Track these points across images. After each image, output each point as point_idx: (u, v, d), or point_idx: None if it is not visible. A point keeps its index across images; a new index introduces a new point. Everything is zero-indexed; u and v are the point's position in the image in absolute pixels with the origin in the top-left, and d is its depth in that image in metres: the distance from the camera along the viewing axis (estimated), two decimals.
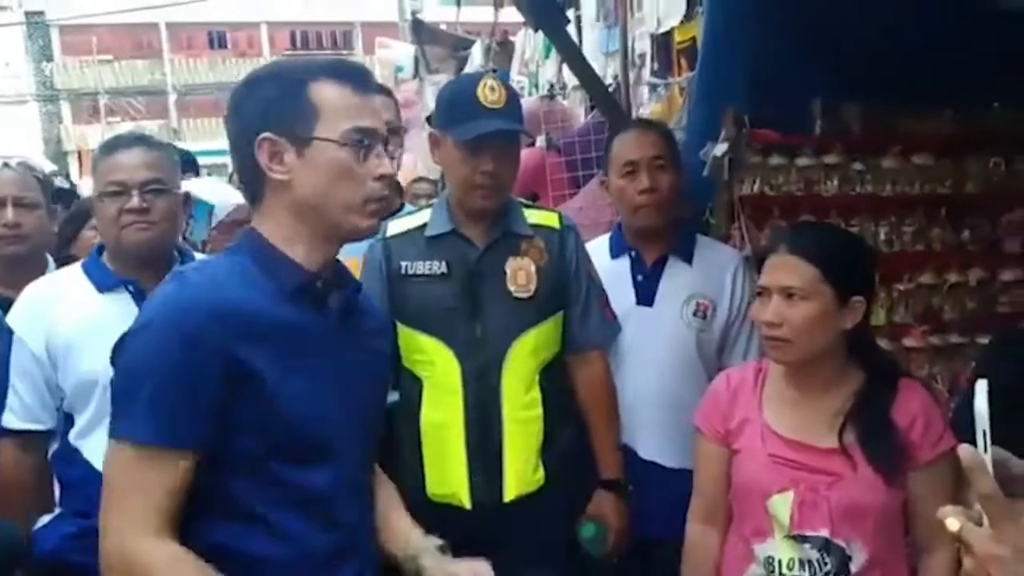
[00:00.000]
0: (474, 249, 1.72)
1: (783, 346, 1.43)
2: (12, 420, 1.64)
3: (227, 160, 1.36)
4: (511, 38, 5.89)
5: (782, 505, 1.41)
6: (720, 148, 2.17)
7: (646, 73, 3.76)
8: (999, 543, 0.70)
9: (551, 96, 4.29)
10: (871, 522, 1.38)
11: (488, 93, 1.65)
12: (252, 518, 1.11)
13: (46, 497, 1.70)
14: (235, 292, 1.10)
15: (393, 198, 2.10)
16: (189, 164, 3.31)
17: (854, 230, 2.16)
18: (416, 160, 5.02)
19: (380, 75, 8.22)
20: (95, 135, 23.04)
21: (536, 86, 5.41)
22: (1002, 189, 2.28)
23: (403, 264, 1.73)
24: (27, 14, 23.68)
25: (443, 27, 7.72)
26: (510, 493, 1.68)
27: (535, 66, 5.50)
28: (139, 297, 1.60)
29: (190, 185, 2.02)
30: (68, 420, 1.65)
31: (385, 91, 2.11)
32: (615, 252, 2.00)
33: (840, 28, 2.22)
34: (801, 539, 1.40)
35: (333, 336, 1.18)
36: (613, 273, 1.93)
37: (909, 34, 2.18)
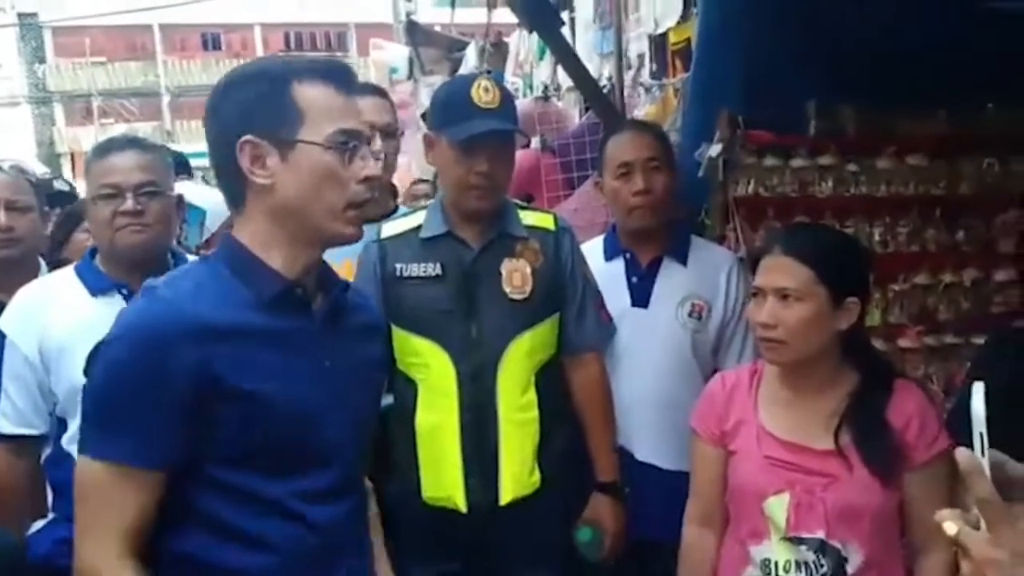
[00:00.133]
0: (469, 251, 1.71)
1: (778, 347, 1.43)
2: (4, 425, 1.64)
3: None
4: (505, 39, 5.90)
5: (778, 507, 1.41)
6: (715, 149, 2.17)
7: (644, 74, 3.76)
8: (997, 547, 0.70)
9: (546, 97, 4.30)
10: (867, 523, 1.38)
11: (482, 94, 1.64)
12: (227, 529, 1.09)
13: (39, 502, 1.69)
14: (207, 304, 1.08)
15: (387, 200, 2.09)
16: (182, 166, 3.31)
17: (849, 231, 2.16)
18: (411, 162, 5.01)
19: (374, 76, 8.22)
20: (88, 137, 22.95)
21: (531, 87, 5.41)
22: (996, 190, 2.28)
23: (398, 266, 1.72)
24: (20, 16, 23.60)
25: (437, 28, 7.72)
26: (506, 496, 1.68)
27: (529, 67, 5.50)
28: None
29: (183, 188, 2.01)
30: (61, 425, 1.64)
31: (381, 93, 2.10)
32: (609, 254, 2.00)
33: (834, 29, 2.22)
34: (797, 541, 1.40)
35: (317, 341, 1.15)
36: (608, 275, 1.93)
37: (903, 35, 2.18)
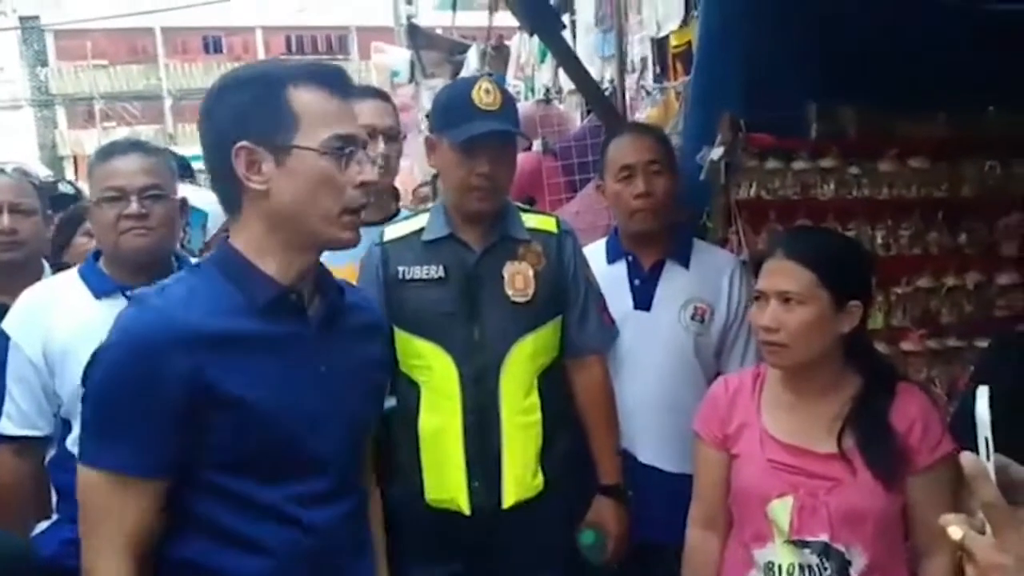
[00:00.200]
0: (471, 253, 1.71)
1: (780, 351, 1.43)
2: (8, 426, 1.64)
3: None
4: (506, 42, 5.90)
5: (781, 510, 1.41)
6: (716, 152, 2.17)
7: (648, 77, 3.76)
8: (1002, 551, 0.70)
9: (547, 100, 4.30)
10: (870, 527, 1.38)
11: (483, 96, 1.65)
12: (224, 533, 1.10)
13: (43, 504, 1.69)
14: (200, 311, 1.08)
15: (389, 203, 2.10)
16: (184, 169, 3.30)
17: (851, 234, 2.16)
18: (413, 165, 5.01)
19: (376, 80, 8.23)
20: (90, 140, 22.99)
21: (532, 90, 5.41)
22: (998, 193, 2.28)
23: (400, 269, 1.72)
24: (22, 19, 23.64)
25: (438, 31, 7.73)
26: (509, 499, 1.67)
27: (531, 70, 5.50)
28: None
29: (185, 191, 2.02)
30: (65, 426, 1.64)
31: (383, 96, 2.10)
32: (611, 257, 2.00)
33: (835, 32, 2.23)
34: (801, 544, 1.40)
35: (312, 346, 1.15)
36: (610, 278, 1.93)
37: (904, 37, 2.19)
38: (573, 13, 4.72)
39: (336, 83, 1.14)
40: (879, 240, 2.23)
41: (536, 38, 3.88)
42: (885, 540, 1.40)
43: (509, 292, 1.70)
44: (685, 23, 3.39)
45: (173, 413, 1.05)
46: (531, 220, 1.78)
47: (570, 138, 3.37)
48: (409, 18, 8.14)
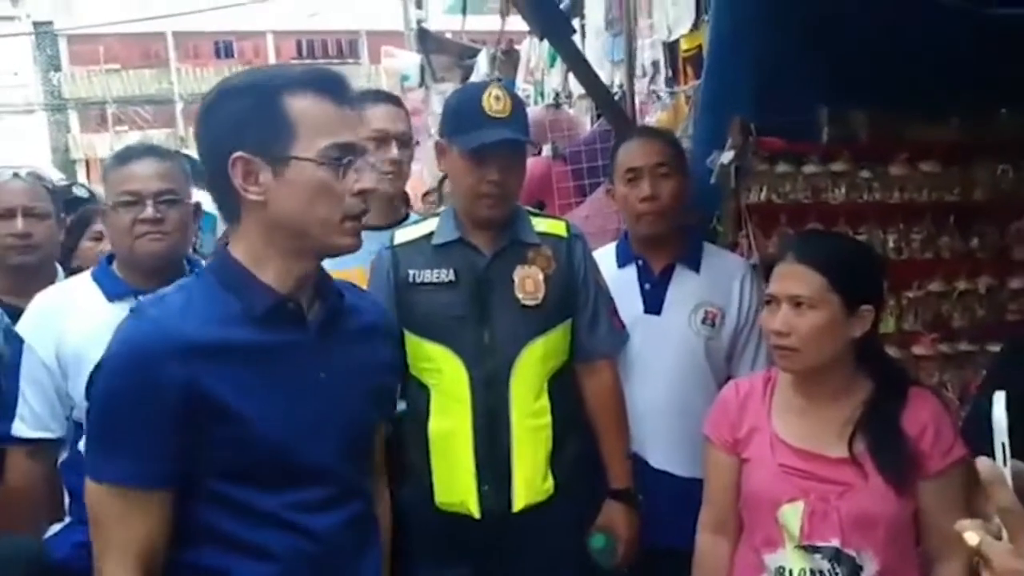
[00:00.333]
0: (482, 257, 1.72)
1: (791, 355, 1.42)
2: (22, 428, 1.65)
3: None
4: (516, 47, 5.90)
5: (792, 515, 1.41)
6: (727, 156, 2.17)
7: (660, 81, 3.75)
8: (1018, 557, 0.70)
9: (557, 105, 4.29)
10: (882, 532, 1.38)
11: (493, 103, 1.65)
12: (228, 539, 1.10)
13: (55, 506, 1.70)
14: (196, 321, 1.08)
15: (399, 208, 2.10)
16: (197, 173, 3.32)
17: (862, 238, 2.15)
18: (423, 169, 5.02)
19: (386, 84, 8.24)
20: (103, 144, 23.16)
21: (542, 94, 5.41)
22: (1010, 196, 2.27)
23: (410, 272, 1.73)
24: (35, 24, 23.84)
25: (448, 36, 7.75)
26: (519, 502, 1.67)
27: (540, 74, 5.50)
28: None
29: (197, 195, 2.03)
30: (78, 429, 1.65)
31: (396, 101, 2.11)
32: (622, 261, 2.00)
33: (846, 35, 2.22)
34: (812, 549, 1.40)
35: (311, 353, 1.15)
36: (620, 281, 1.93)
37: (915, 41, 2.18)
38: (583, 17, 4.72)
39: (335, 89, 1.12)
40: (890, 244, 2.22)
41: (546, 42, 3.88)
42: (897, 545, 1.40)
43: (519, 296, 1.70)
44: (695, 27, 3.39)
45: (172, 424, 1.05)
46: (541, 224, 1.79)
47: (580, 142, 3.37)
48: (419, 22, 8.15)
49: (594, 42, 4.56)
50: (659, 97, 3.71)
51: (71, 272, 2.13)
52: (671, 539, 1.71)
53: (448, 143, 1.71)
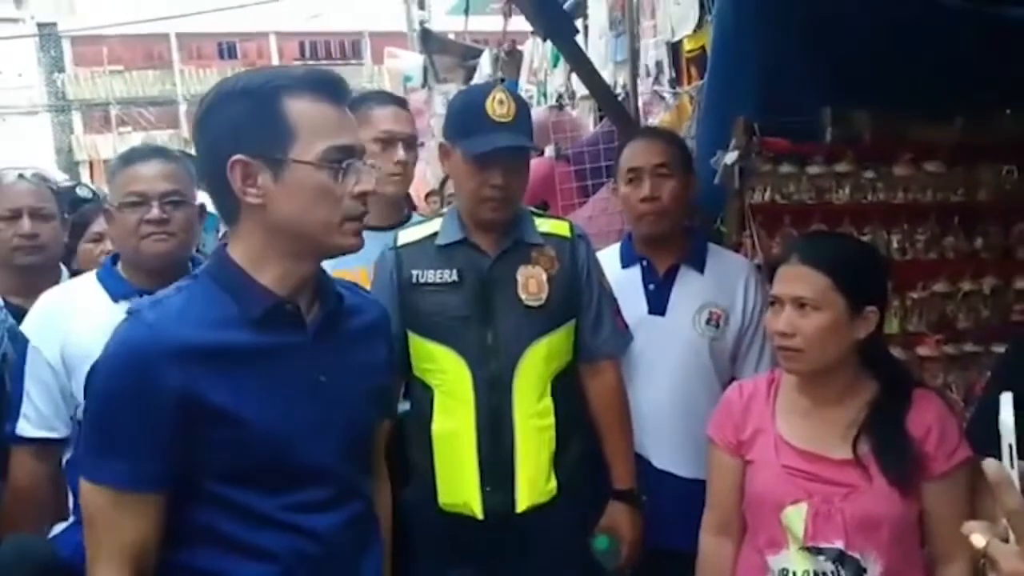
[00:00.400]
0: (485, 258, 1.71)
1: (796, 356, 1.42)
2: (27, 428, 1.66)
3: None
4: (519, 47, 5.90)
5: (796, 517, 1.40)
6: (730, 156, 2.17)
7: (664, 81, 3.75)
8: None
9: (559, 107, 4.29)
10: (886, 533, 1.37)
11: (497, 107, 1.64)
12: (227, 541, 1.10)
13: (60, 505, 1.70)
14: (193, 324, 1.08)
15: (402, 208, 2.10)
16: (200, 174, 3.31)
17: (866, 238, 2.16)
18: (426, 169, 5.02)
19: (389, 84, 8.25)
20: (106, 145, 23.23)
21: (544, 95, 5.40)
22: (1015, 197, 2.27)
23: (414, 273, 1.73)
24: (39, 26, 23.90)
25: (451, 36, 7.74)
26: (522, 503, 1.67)
27: (543, 75, 5.49)
28: None
29: (201, 195, 2.04)
30: (82, 428, 1.65)
31: (402, 103, 2.12)
32: (626, 261, 1.99)
33: (850, 35, 2.22)
34: (816, 551, 1.39)
35: (310, 355, 1.14)
36: (624, 282, 1.93)
37: (919, 41, 2.18)
38: (586, 18, 4.72)
39: (333, 91, 1.12)
40: (895, 244, 2.23)
41: (549, 43, 3.88)
42: (901, 547, 1.39)
43: (523, 296, 1.70)
44: (699, 27, 3.38)
45: (166, 428, 1.05)
46: (545, 224, 1.79)
47: (583, 143, 3.37)
48: (422, 23, 8.15)
49: (597, 42, 4.56)
50: (663, 98, 3.71)
51: (72, 273, 2.13)
52: (675, 540, 1.71)
53: (452, 146, 1.71)
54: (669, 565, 1.73)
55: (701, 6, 3.37)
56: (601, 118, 3.83)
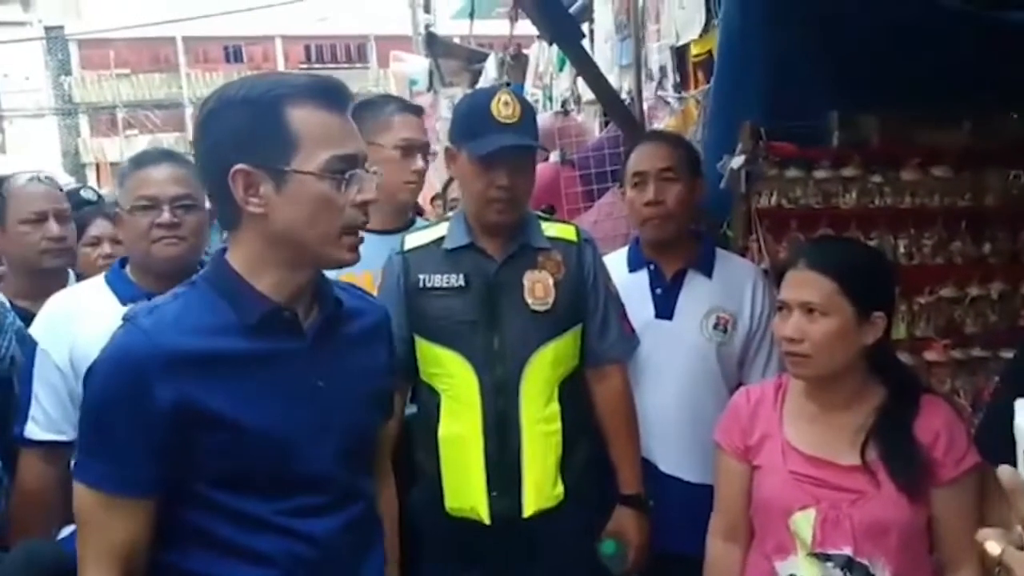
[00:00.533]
0: (492, 262, 1.72)
1: (803, 362, 1.42)
2: (35, 431, 1.66)
3: None
4: (525, 51, 5.91)
5: (804, 522, 1.40)
6: (737, 161, 2.17)
7: (667, 86, 3.75)
8: None
9: (565, 112, 4.29)
10: (895, 539, 1.37)
11: (502, 108, 1.65)
12: (224, 545, 1.10)
13: (68, 508, 1.70)
14: (189, 330, 1.08)
15: (407, 211, 2.11)
16: None
17: (873, 243, 2.15)
18: (432, 173, 5.02)
19: (394, 88, 8.27)
20: (113, 148, 23.32)
21: (550, 99, 5.41)
22: (1022, 202, 2.26)
23: (421, 277, 1.73)
24: (46, 29, 24.02)
25: (456, 40, 7.75)
26: (529, 508, 1.67)
27: (549, 79, 5.50)
28: None
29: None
30: None
31: (418, 111, 2.14)
32: (633, 265, 1.99)
33: (857, 39, 2.22)
34: (824, 557, 1.39)
35: (307, 361, 1.14)
36: (632, 286, 1.93)
37: (927, 45, 2.18)
38: (592, 21, 4.73)
39: (336, 99, 1.11)
40: (902, 249, 2.21)
41: (555, 47, 3.88)
42: (909, 553, 1.39)
43: (529, 301, 1.70)
44: (706, 31, 3.38)
45: (158, 434, 1.05)
46: (551, 229, 1.79)
47: (588, 148, 3.37)
48: (427, 27, 8.15)
49: (603, 46, 4.56)
50: (668, 103, 3.71)
51: (79, 276, 2.13)
52: (681, 545, 1.70)
53: (458, 149, 1.71)
54: (676, 570, 1.73)
55: (707, 10, 3.37)
56: (607, 123, 3.84)
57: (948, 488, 1.38)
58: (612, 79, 3.84)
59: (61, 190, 2.29)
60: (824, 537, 1.39)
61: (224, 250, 1.16)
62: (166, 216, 1.63)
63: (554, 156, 3.38)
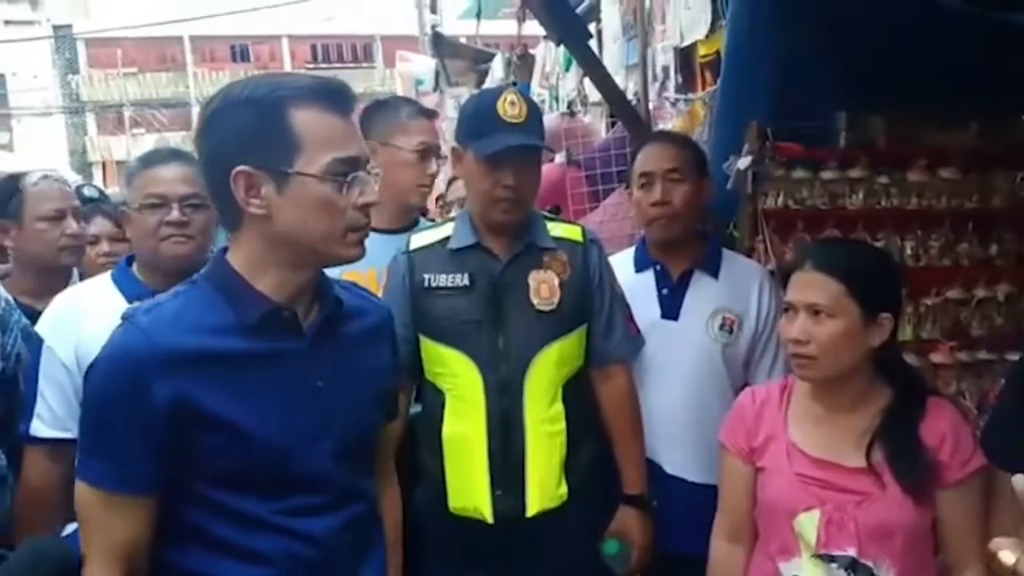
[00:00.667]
0: (497, 262, 1.72)
1: (810, 364, 1.41)
2: (41, 428, 1.66)
3: None
4: (531, 51, 5.91)
5: (808, 524, 1.40)
6: (743, 161, 2.17)
7: (670, 87, 3.75)
8: None
9: (571, 113, 4.29)
10: (899, 541, 1.36)
11: (508, 108, 1.65)
12: (222, 544, 1.10)
13: (72, 505, 1.71)
14: (188, 330, 1.08)
15: (412, 211, 2.11)
16: None
17: (880, 244, 2.14)
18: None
19: (401, 88, 8.27)
20: (119, 146, 23.42)
21: (556, 99, 5.41)
22: None
23: (426, 277, 1.73)
24: (54, 28, 24.13)
25: (463, 40, 7.76)
26: (533, 508, 1.67)
27: (555, 79, 5.50)
28: None
29: None
30: None
31: (431, 115, 2.15)
32: (640, 266, 1.99)
33: (864, 41, 2.22)
34: (828, 559, 1.38)
35: (307, 361, 1.14)
36: (638, 287, 1.93)
37: (934, 47, 2.17)
38: (599, 22, 4.72)
39: (339, 101, 1.11)
40: (908, 251, 2.21)
41: (561, 47, 3.88)
42: (914, 555, 1.38)
43: (534, 301, 1.70)
44: (712, 32, 3.38)
45: (156, 433, 1.05)
46: (557, 229, 1.79)
47: (594, 149, 3.37)
48: (434, 27, 8.17)
49: (611, 47, 4.56)
50: (673, 103, 3.71)
51: (82, 275, 2.15)
52: (685, 545, 1.70)
53: (464, 148, 1.71)
54: (679, 570, 1.73)
55: (714, 11, 3.36)
56: (613, 124, 3.83)
57: (953, 490, 1.37)
58: (619, 80, 3.83)
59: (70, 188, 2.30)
60: (828, 539, 1.38)
61: (225, 250, 1.16)
62: (175, 214, 1.64)
63: (560, 157, 3.38)
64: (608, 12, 4.64)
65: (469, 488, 1.69)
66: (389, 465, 1.43)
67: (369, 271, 1.85)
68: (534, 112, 1.71)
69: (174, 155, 1.72)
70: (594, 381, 1.80)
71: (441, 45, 7.11)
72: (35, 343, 1.70)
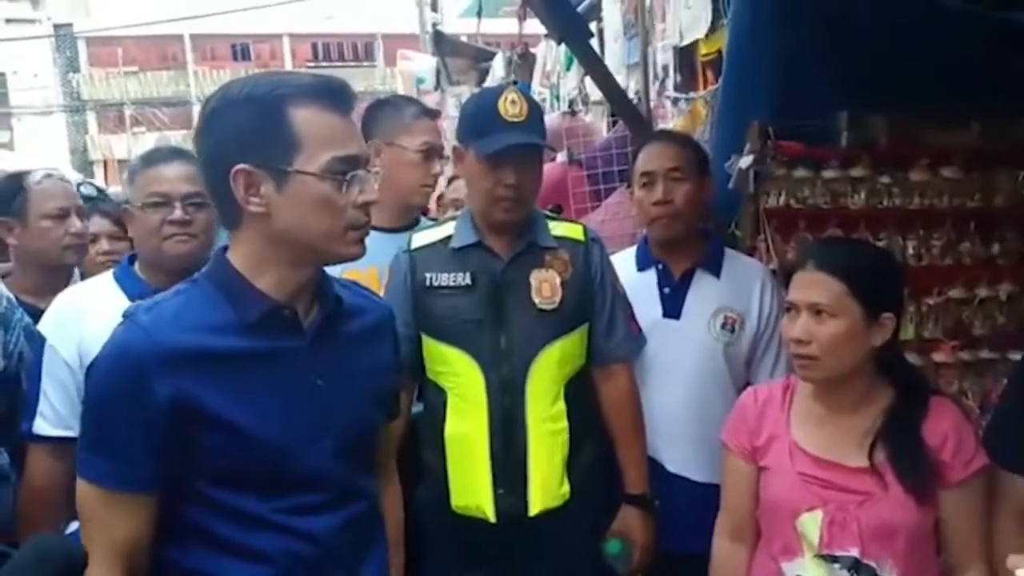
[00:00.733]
0: (499, 261, 1.72)
1: (812, 364, 1.41)
2: (44, 427, 1.66)
3: None
4: (532, 50, 5.91)
5: (811, 524, 1.40)
6: (745, 160, 2.17)
7: (669, 85, 3.75)
8: None
9: (572, 112, 4.29)
10: (902, 541, 1.36)
11: (509, 107, 1.65)
12: (222, 542, 1.10)
13: (75, 504, 1.71)
14: (188, 328, 1.08)
15: (412, 210, 2.11)
16: None
17: (882, 244, 2.14)
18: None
19: (402, 87, 8.27)
20: (120, 145, 23.43)
21: (557, 98, 5.41)
22: None
23: (428, 276, 1.73)
24: (55, 27, 24.13)
25: (464, 39, 7.76)
26: (535, 507, 1.67)
27: (556, 78, 5.50)
28: None
29: None
30: None
31: (435, 115, 2.15)
32: (641, 264, 1.99)
33: (866, 40, 2.21)
34: (831, 559, 1.38)
35: (307, 360, 1.14)
36: (640, 285, 1.93)
37: (936, 46, 2.17)
38: (600, 21, 4.72)
39: (339, 99, 1.11)
40: (910, 250, 2.21)
41: (562, 46, 3.88)
42: (917, 555, 1.38)
43: (536, 300, 1.70)
44: (714, 31, 3.38)
45: (157, 431, 1.05)
46: (558, 228, 1.79)
47: (596, 148, 3.37)
48: (434, 25, 8.16)
49: (612, 46, 4.56)
50: (675, 102, 3.71)
51: (82, 275, 2.15)
52: (687, 544, 1.70)
53: (465, 147, 1.71)
54: (681, 569, 1.73)
55: (715, 10, 3.36)
56: (614, 123, 3.83)
57: (956, 490, 1.37)
58: (620, 79, 3.83)
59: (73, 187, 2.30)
60: (831, 539, 1.38)
61: (225, 248, 1.16)
62: (178, 213, 1.64)
63: (561, 156, 3.38)
64: (609, 10, 4.64)
65: (471, 487, 1.69)
66: (391, 464, 1.43)
67: (370, 270, 1.85)
68: (535, 111, 1.71)
69: (176, 154, 1.72)
70: (596, 380, 1.80)
71: (442, 44, 7.11)
72: (37, 342, 1.70)
